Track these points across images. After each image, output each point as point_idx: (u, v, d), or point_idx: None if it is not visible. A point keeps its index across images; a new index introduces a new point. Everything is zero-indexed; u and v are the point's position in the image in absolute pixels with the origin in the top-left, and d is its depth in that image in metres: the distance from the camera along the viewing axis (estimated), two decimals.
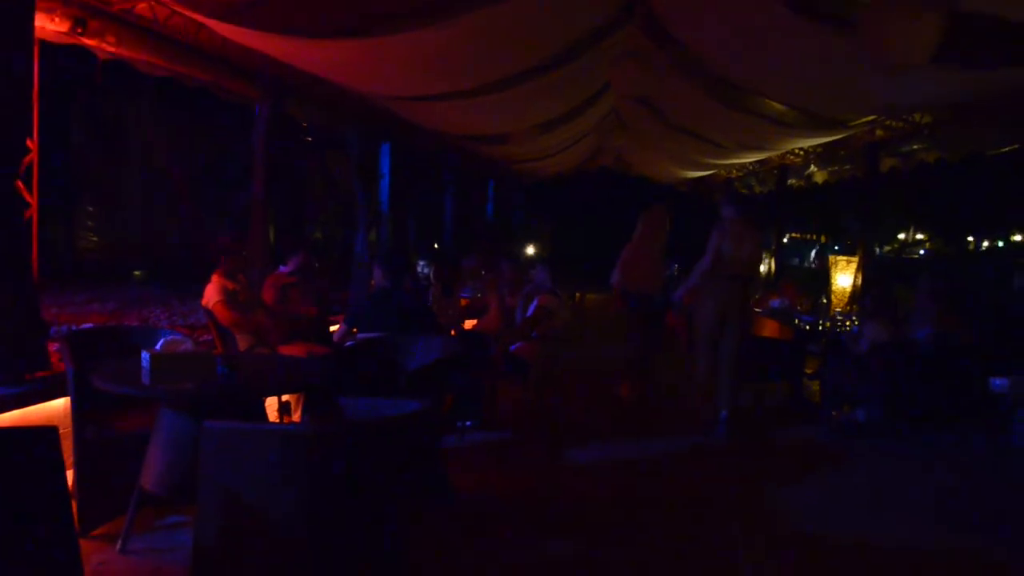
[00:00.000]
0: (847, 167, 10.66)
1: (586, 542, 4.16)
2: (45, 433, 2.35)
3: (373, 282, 8.37)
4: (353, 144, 9.35)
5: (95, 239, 16.22)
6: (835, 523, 4.60)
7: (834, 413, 6.71)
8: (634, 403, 7.48)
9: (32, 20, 4.09)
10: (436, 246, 15.52)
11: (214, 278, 5.58)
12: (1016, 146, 7.39)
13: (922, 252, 22.85)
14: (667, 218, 7.90)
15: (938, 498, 5.13)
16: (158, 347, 3.66)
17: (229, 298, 5.48)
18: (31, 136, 4.20)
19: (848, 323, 7.73)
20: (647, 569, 3.88)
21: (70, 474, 3.63)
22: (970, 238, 25.02)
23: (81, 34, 4.69)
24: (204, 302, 5.55)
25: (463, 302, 8.76)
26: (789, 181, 12.53)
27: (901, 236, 23.00)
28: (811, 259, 21.68)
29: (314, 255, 6.73)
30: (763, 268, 13.14)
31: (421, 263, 9.46)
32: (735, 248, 6.32)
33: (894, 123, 8.31)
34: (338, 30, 5.38)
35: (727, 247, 6.33)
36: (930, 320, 6.33)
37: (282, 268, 6.50)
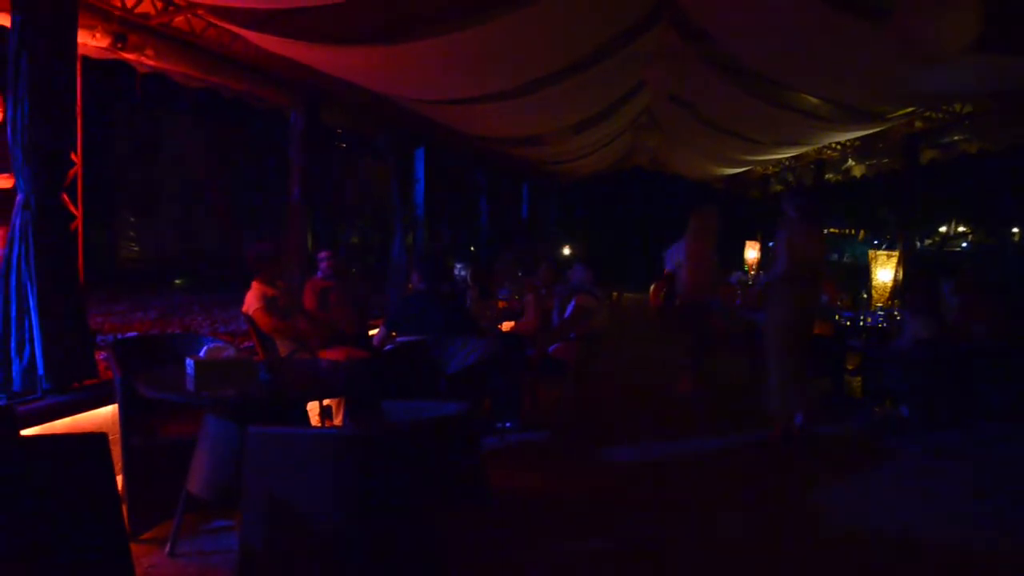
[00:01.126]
0: (885, 160, 10.51)
1: (623, 541, 4.14)
2: (95, 440, 2.39)
3: (411, 286, 8.41)
4: (388, 149, 9.41)
5: (137, 249, 16.53)
6: (877, 520, 4.52)
7: (876, 409, 6.62)
8: (687, 399, 7.46)
9: (75, 37, 4.18)
10: (472, 249, 15.55)
11: (254, 285, 5.62)
12: None
13: (964, 245, 22.33)
14: (716, 219, 7.83)
15: (982, 496, 5.02)
16: (201, 354, 3.71)
17: (269, 304, 5.53)
18: (75, 149, 4.29)
19: (886, 318, 7.61)
20: (684, 568, 3.86)
21: (119, 479, 3.71)
22: (1015, 230, 24.44)
23: (121, 49, 4.79)
24: (245, 309, 5.60)
25: (500, 304, 8.77)
26: (827, 175, 12.38)
27: (942, 229, 22.51)
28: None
29: (343, 257, 6.75)
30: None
31: (458, 266, 9.50)
32: (804, 249, 6.04)
33: (933, 114, 8.18)
34: (370, 36, 5.43)
35: (796, 249, 6.05)
36: (969, 316, 6.22)
37: (319, 273, 6.55)
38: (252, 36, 5.35)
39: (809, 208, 6.21)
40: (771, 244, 6.72)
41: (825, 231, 6.41)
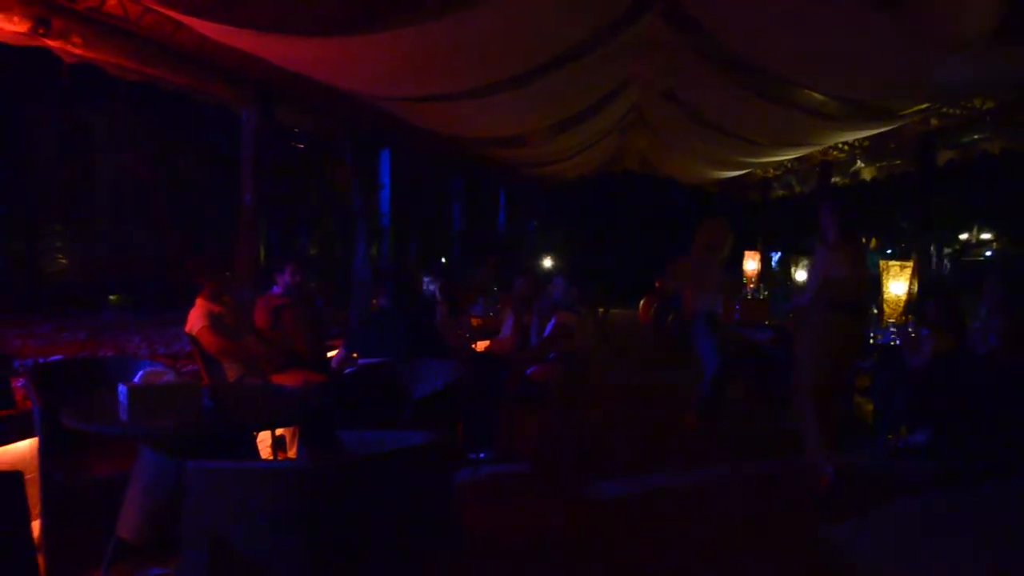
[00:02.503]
0: (898, 162, 10.58)
1: None
2: (7, 479, 2.33)
3: (375, 302, 8.37)
4: (350, 151, 9.39)
5: (64, 261, 16.26)
6: (888, 564, 4.51)
7: (889, 436, 6.62)
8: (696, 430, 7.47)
9: None
10: (443, 260, 15.53)
11: (198, 301, 5.58)
12: None
13: (988, 253, 22.43)
14: (726, 232, 7.77)
15: (1007, 538, 4.99)
16: (136, 380, 3.65)
17: (215, 323, 5.48)
18: None
19: (900, 335, 7.63)
20: None
21: (37, 524, 3.62)
22: None
23: (44, 35, 4.70)
24: (188, 328, 5.55)
25: (474, 321, 8.74)
26: (833, 179, 12.45)
27: (963, 236, 22.63)
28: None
29: (308, 272, 6.73)
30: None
31: (427, 280, 9.48)
32: (847, 271, 5.75)
33: (951, 110, 8.16)
34: (329, 26, 5.39)
35: (836, 272, 5.76)
36: (995, 331, 6.22)
37: (274, 289, 6.51)
38: (196, 24, 5.28)
39: (852, 226, 5.95)
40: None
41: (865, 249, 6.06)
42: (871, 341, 7.75)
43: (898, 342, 7.47)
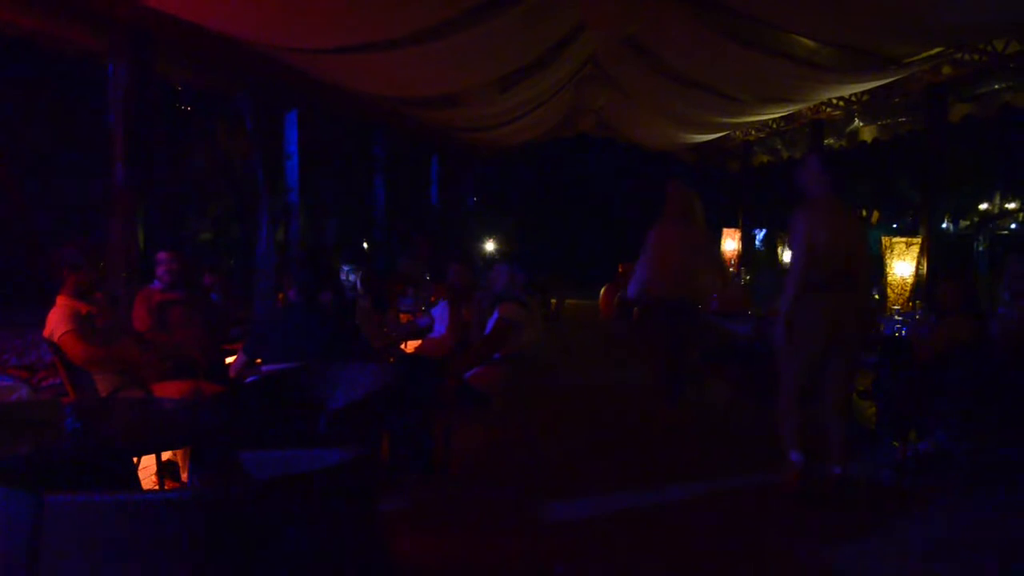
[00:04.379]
0: (903, 119, 10.72)
1: None
2: None
3: (281, 295, 8.31)
4: (249, 114, 9.29)
5: None
6: None
7: (895, 443, 6.71)
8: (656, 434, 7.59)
9: None
10: (365, 245, 15.46)
11: (60, 300, 5.48)
12: None
13: (1013, 226, 22.73)
14: (692, 198, 7.81)
15: None
16: None
17: (82, 325, 5.39)
18: None
19: (906, 324, 7.74)
20: None
21: None
22: None
23: None
24: (47, 333, 5.44)
25: (403, 317, 8.72)
26: (827, 141, 12.62)
27: (983, 207, 22.95)
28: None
29: (197, 260, 6.71)
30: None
31: (345, 268, 9.45)
32: (831, 238, 5.72)
33: (967, 56, 8.22)
34: None
35: (819, 237, 5.72)
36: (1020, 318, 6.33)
37: (157, 282, 6.44)
38: None
39: (839, 183, 5.97)
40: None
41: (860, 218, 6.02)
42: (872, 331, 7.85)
43: (904, 332, 7.56)
